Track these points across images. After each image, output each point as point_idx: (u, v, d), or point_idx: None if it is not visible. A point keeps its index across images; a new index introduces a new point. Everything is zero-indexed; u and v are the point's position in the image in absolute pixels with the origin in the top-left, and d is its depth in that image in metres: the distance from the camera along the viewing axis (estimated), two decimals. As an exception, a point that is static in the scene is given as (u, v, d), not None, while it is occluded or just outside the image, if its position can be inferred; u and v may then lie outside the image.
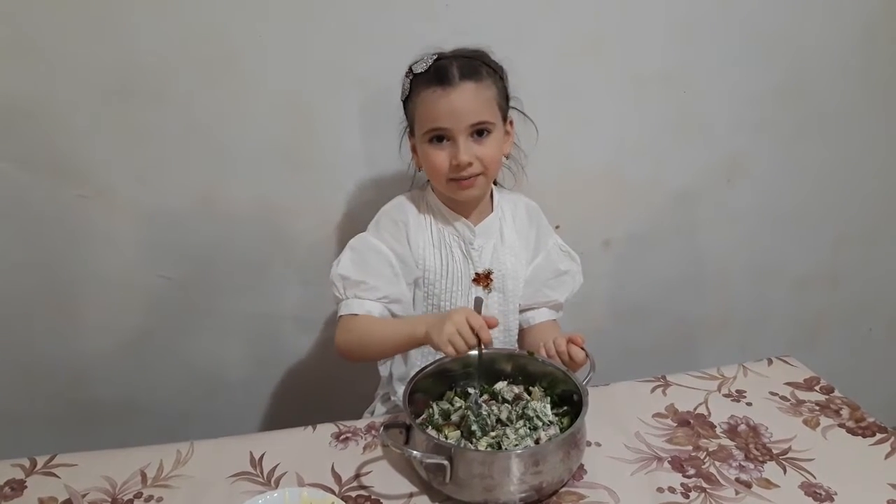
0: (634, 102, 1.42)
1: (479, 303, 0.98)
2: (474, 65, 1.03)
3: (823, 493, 0.89)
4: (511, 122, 1.12)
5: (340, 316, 1.08)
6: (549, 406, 0.96)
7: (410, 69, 1.05)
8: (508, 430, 0.92)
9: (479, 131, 1.04)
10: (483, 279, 1.13)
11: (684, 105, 1.46)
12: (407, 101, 1.08)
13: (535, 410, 0.94)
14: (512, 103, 1.11)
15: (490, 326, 0.92)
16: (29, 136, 1.18)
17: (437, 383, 1.01)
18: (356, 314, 1.06)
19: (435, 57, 1.03)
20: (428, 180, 1.14)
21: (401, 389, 1.12)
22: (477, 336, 0.90)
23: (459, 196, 1.09)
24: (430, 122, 1.03)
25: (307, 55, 1.22)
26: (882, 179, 1.69)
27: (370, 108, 1.28)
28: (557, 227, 1.27)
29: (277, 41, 1.20)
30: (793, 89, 1.51)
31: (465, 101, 1.01)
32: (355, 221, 1.32)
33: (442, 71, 1.01)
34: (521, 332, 1.21)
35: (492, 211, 1.15)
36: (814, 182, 1.64)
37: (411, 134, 1.11)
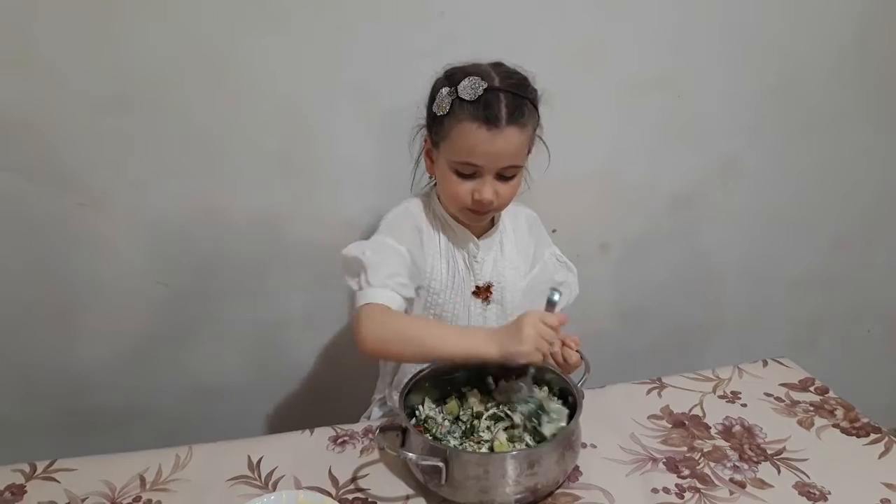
0: (629, 106, 1.43)
1: (553, 299, 0.96)
2: (522, 105, 0.99)
3: (817, 493, 0.90)
4: (529, 151, 1.08)
5: (367, 304, 0.96)
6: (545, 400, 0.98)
7: (455, 89, 0.98)
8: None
9: (507, 173, 1.03)
10: (483, 292, 1.13)
11: (679, 108, 1.46)
12: (441, 116, 1.01)
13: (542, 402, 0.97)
14: (538, 132, 1.07)
15: (562, 323, 0.93)
16: (28, 144, 1.18)
17: (433, 387, 1.02)
18: (386, 306, 0.96)
19: (484, 85, 0.96)
20: (433, 185, 1.13)
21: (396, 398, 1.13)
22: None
23: (470, 221, 1.09)
24: (465, 156, 1.00)
25: (303, 63, 1.23)
26: (877, 180, 1.70)
27: (367, 115, 1.29)
28: (554, 231, 1.27)
29: (274, 49, 1.21)
30: (787, 92, 1.52)
31: (506, 146, 0.99)
32: (354, 228, 1.33)
33: (491, 109, 0.96)
34: None
35: (494, 224, 1.15)
36: (809, 184, 1.65)
37: (433, 141, 1.06)
